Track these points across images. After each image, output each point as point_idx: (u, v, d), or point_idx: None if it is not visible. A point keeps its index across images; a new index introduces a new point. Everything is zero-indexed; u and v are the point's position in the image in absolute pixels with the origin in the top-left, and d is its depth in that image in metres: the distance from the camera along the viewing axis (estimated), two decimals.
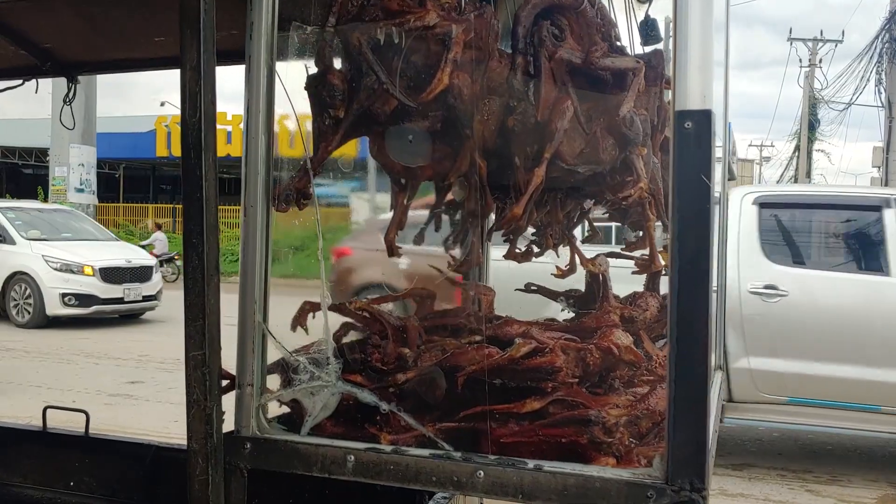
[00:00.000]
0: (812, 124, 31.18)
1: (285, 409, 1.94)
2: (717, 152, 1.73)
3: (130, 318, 15.43)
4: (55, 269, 14.09)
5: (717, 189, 1.54)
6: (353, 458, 1.72)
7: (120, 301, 14.54)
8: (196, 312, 1.79)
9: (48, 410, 3.15)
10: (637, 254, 2.50)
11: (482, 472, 1.63)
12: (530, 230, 2.63)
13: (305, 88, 1.86)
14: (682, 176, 1.53)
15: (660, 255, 2.41)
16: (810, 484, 7.41)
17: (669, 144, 1.57)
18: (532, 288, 2.73)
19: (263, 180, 1.85)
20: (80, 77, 3.66)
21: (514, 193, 1.93)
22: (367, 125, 1.88)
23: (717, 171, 1.52)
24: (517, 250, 2.42)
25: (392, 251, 2.07)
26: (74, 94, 3.90)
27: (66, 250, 14.60)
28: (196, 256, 1.80)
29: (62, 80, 3.65)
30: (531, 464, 1.61)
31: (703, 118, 1.51)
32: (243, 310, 1.83)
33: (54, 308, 13.96)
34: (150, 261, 15.71)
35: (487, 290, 2.82)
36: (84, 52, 3.48)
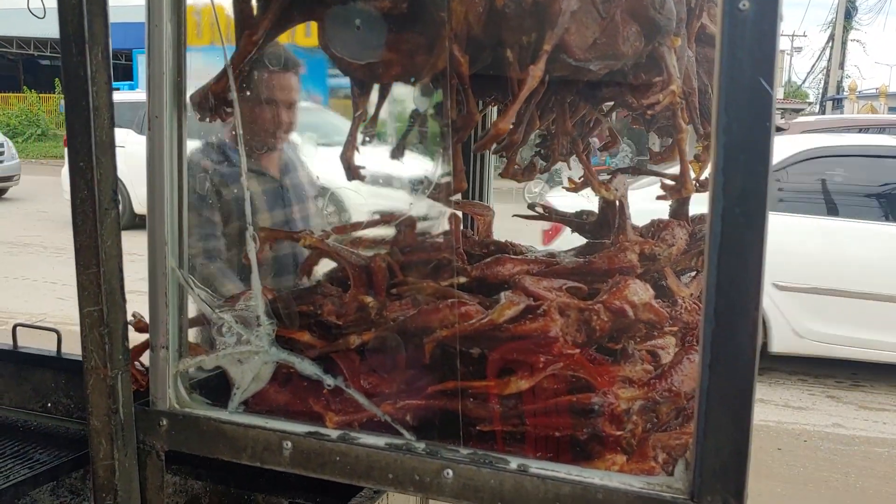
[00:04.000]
0: (849, 12, 29.41)
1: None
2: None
3: None
4: None
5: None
6: (290, 445, 1.35)
7: None
8: (89, 258, 1.39)
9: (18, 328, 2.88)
10: (667, 172, 2.05)
11: (451, 472, 1.25)
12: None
13: None
14: (731, 81, 1.07)
15: (691, 169, 1.95)
16: (831, 389, 7.17)
17: (715, 36, 1.11)
18: (537, 210, 2.30)
19: (172, 82, 1.41)
20: None
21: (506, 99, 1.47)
22: (308, 5, 1.41)
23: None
24: (516, 167, 1.97)
25: (352, 173, 1.64)
26: None
27: None
28: (85, 185, 1.38)
29: None
30: (514, 463, 1.23)
31: None
32: (152, 253, 1.43)
33: None
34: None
35: (484, 209, 2.39)
36: None
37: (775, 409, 6.77)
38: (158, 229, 1.42)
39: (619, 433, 1.25)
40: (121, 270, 1.43)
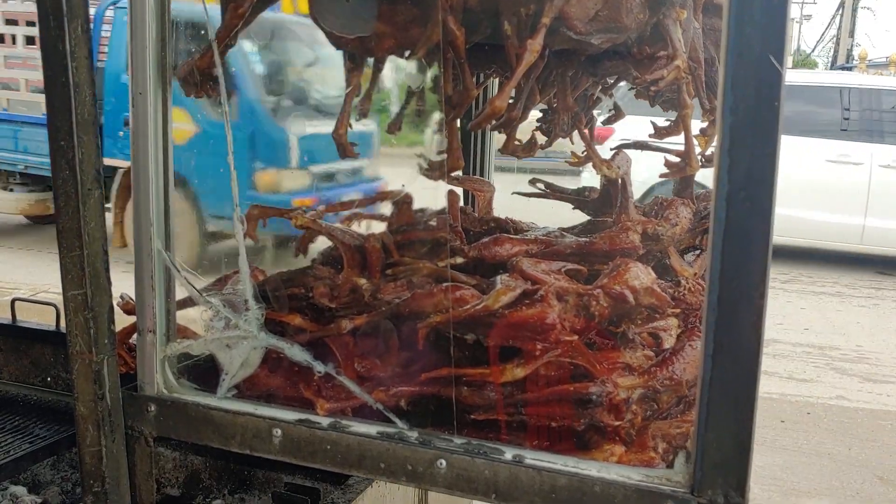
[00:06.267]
0: None
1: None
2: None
3: None
4: None
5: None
6: (280, 432, 1.31)
7: None
8: (72, 240, 1.34)
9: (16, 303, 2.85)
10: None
11: (444, 462, 1.22)
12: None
13: None
14: (738, 58, 1.01)
15: (697, 145, 1.89)
16: (836, 361, 7.14)
17: (723, 5, 1.05)
18: (538, 187, 2.24)
19: (156, 56, 1.35)
20: None
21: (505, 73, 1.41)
22: None
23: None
24: (517, 142, 1.91)
25: (345, 151, 1.59)
26: None
27: None
28: (66, 165, 1.33)
29: None
30: (509, 453, 1.19)
31: None
32: (138, 235, 1.38)
33: None
34: None
35: (484, 184, 2.34)
36: None
37: (779, 380, 6.74)
38: (143, 210, 1.37)
39: (617, 423, 1.21)
40: (105, 252, 1.38)
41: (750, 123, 1.02)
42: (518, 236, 1.73)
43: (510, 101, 1.61)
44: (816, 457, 5.36)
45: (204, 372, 1.44)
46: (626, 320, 1.41)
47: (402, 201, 1.89)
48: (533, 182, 2.28)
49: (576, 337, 1.25)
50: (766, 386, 6.48)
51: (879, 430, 5.80)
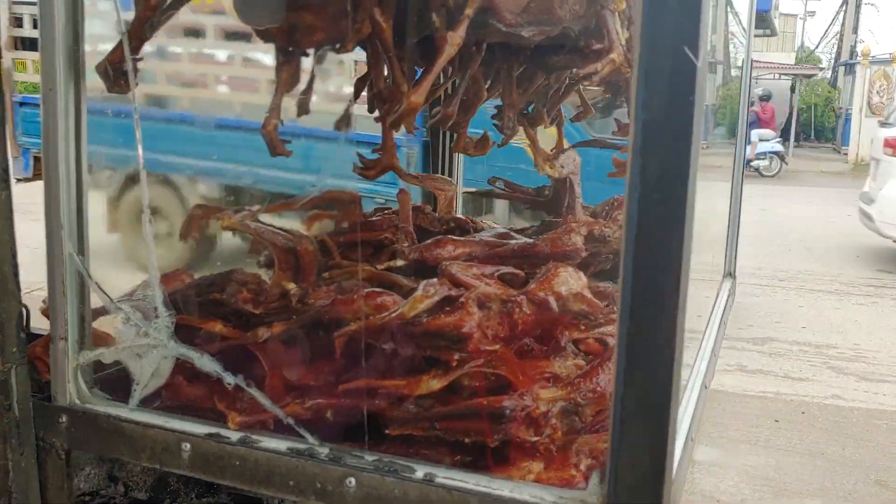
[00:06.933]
0: None
1: None
2: None
3: None
4: None
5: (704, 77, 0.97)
6: (189, 447, 1.25)
7: None
8: None
9: None
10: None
11: (353, 480, 1.15)
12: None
13: None
14: (651, 50, 0.94)
15: None
16: (833, 360, 7.04)
17: None
18: (498, 185, 2.17)
19: (66, 49, 1.29)
20: None
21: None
22: None
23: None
24: (467, 140, 1.84)
25: (275, 147, 1.52)
26: None
27: None
28: None
29: None
30: (420, 471, 1.13)
31: None
32: (49, 238, 1.32)
33: None
34: None
35: (445, 184, 2.28)
36: None
37: (774, 379, 6.65)
38: (54, 213, 1.31)
39: (535, 438, 1.14)
40: (13, 256, 1.32)
41: (664, 120, 0.94)
42: (462, 238, 1.66)
43: (449, 98, 1.54)
44: (810, 457, 5.27)
45: (121, 382, 1.38)
46: (564, 326, 1.34)
47: (349, 201, 1.83)
48: (492, 181, 2.22)
49: (498, 346, 1.18)
50: (762, 385, 6.39)
51: (874, 430, 5.70)
